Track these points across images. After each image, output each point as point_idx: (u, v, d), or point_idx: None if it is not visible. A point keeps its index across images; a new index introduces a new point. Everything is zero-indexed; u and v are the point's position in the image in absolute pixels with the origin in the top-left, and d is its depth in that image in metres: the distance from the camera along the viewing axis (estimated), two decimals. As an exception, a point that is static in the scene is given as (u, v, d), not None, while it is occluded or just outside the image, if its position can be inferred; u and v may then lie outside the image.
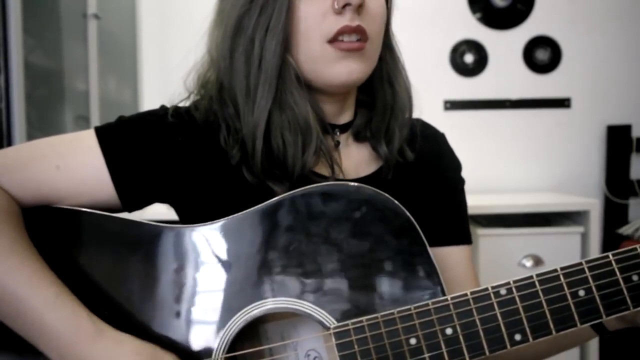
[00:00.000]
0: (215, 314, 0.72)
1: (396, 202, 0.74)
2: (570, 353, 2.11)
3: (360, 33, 0.76)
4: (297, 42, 0.77)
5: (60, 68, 2.04)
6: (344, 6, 0.75)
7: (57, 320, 0.68)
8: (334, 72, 0.77)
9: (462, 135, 2.55)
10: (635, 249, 0.67)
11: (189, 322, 0.72)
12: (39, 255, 0.72)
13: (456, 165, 0.95)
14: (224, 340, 0.72)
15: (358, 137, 0.87)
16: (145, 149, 0.79)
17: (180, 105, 0.84)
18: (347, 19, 0.75)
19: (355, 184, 0.74)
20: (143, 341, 0.70)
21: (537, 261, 2.07)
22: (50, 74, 2.00)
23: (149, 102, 2.50)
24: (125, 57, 2.50)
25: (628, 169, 2.54)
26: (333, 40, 0.76)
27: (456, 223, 0.91)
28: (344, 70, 0.77)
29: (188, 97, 0.85)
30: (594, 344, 2.16)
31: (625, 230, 2.42)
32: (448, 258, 0.89)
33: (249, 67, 0.77)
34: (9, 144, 1.68)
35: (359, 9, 0.76)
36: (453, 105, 2.58)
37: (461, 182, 0.94)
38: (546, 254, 2.08)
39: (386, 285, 0.72)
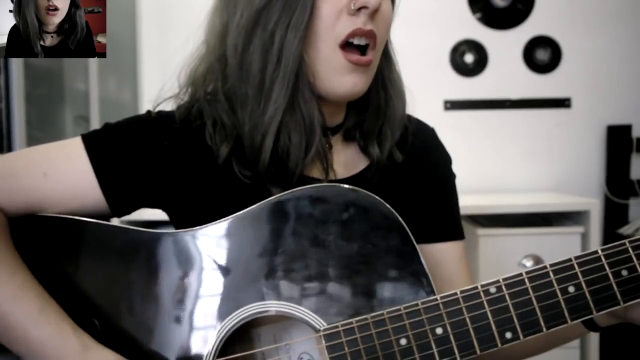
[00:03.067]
0: (205, 318, 0.72)
1: (384, 202, 0.73)
2: (570, 353, 2.12)
3: (371, 38, 0.76)
4: (312, 41, 0.75)
5: (60, 68, 2.05)
6: (360, 8, 0.74)
7: (41, 336, 0.68)
8: (339, 83, 0.77)
9: (462, 135, 2.55)
10: (624, 243, 0.67)
11: (179, 327, 0.72)
12: (25, 266, 0.72)
13: (446, 159, 0.94)
14: (215, 344, 0.71)
15: (346, 137, 0.87)
16: (131, 154, 0.79)
17: (163, 108, 0.84)
18: (360, 22, 0.74)
19: (345, 185, 0.74)
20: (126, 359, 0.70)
21: (537, 261, 2.06)
22: (50, 74, 2.00)
23: (149, 102, 2.50)
24: (125, 57, 2.50)
25: (628, 169, 2.53)
26: (343, 45, 0.75)
27: (447, 219, 0.91)
28: (349, 83, 0.77)
29: (178, 94, 0.84)
30: (594, 344, 2.15)
31: (626, 230, 2.41)
32: (440, 254, 0.88)
33: (266, 62, 0.75)
34: (9, 144, 1.68)
35: (374, 13, 0.75)
36: (453, 105, 2.57)
37: (452, 176, 0.93)
38: (546, 254, 2.07)
39: (375, 287, 0.71)
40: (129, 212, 0.82)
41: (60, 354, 0.68)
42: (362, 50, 0.77)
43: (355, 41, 0.75)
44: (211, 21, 0.83)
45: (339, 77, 0.76)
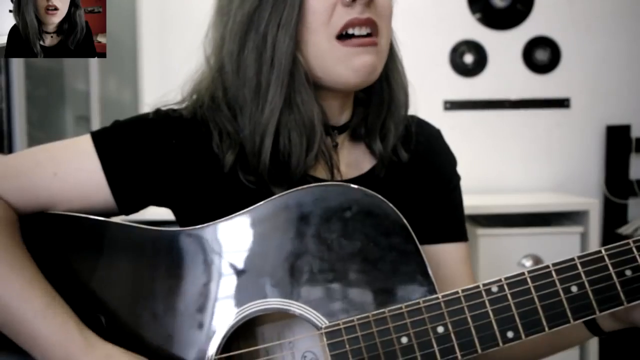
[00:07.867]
0: (209, 315, 0.72)
1: (387, 201, 0.73)
2: (570, 353, 2.12)
3: (370, 25, 0.75)
4: (306, 38, 0.75)
5: (60, 68, 2.05)
6: None
7: (47, 332, 0.69)
8: (346, 70, 0.76)
9: (462, 135, 2.55)
10: (628, 243, 0.66)
11: (183, 323, 0.73)
12: (33, 262, 0.73)
13: (451, 161, 0.94)
14: (218, 341, 0.72)
15: (354, 136, 0.87)
16: (140, 152, 0.79)
17: (172, 107, 0.85)
18: (356, 12, 0.74)
19: (349, 184, 0.74)
20: (132, 354, 0.70)
21: (537, 261, 2.06)
22: (50, 74, 2.01)
23: (149, 102, 2.50)
24: (125, 57, 2.50)
25: (627, 169, 2.53)
26: (341, 37, 0.75)
27: (451, 220, 0.91)
28: (358, 64, 0.75)
29: (181, 101, 0.84)
30: (593, 345, 2.16)
31: (625, 230, 2.42)
32: (443, 255, 0.88)
33: (260, 64, 0.76)
34: (10, 144, 1.68)
35: (370, 3, 0.75)
36: (453, 105, 2.57)
37: (456, 178, 0.93)
38: (546, 254, 2.07)
39: (377, 285, 0.71)
40: (136, 211, 0.82)
41: (64, 350, 0.68)
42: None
43: (356, 32, 0.75)
44: (210, 36, 0.83)
45: (345, 65, 0.76)
